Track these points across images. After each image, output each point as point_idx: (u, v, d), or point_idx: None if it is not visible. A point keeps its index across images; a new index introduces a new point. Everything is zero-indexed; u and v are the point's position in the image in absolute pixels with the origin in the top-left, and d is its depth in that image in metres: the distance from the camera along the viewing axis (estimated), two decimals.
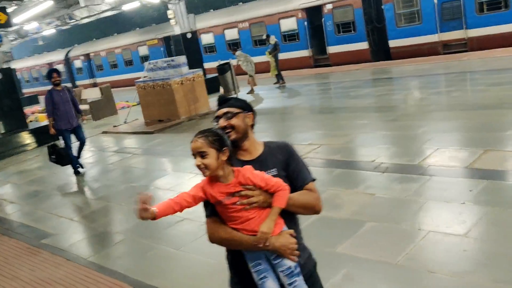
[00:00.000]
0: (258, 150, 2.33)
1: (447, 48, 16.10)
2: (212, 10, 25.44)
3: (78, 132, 9.03)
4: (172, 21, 16.79)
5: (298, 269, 2.18)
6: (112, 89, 17.08)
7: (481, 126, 7.33)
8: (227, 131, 2.25)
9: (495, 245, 3.94)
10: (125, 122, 13.60)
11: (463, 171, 5.65)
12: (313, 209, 2.30)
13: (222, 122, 2.28)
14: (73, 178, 8.96)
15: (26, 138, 13.01)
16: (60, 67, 31.60)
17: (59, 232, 6.30)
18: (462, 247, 3.96)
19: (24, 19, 16.76)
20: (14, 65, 32.06)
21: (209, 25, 23.42)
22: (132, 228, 5.84)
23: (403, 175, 5.85)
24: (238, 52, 15.73)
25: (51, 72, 8.87)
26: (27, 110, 21.27)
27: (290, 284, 2.17)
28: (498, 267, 3.58)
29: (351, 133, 8.30)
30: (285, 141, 2.43)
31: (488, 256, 3.79)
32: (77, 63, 32.09)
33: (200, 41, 23.88)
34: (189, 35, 16.91)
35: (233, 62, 14.89)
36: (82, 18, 25.75)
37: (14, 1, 13.80)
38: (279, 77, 15.95)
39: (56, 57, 33.74)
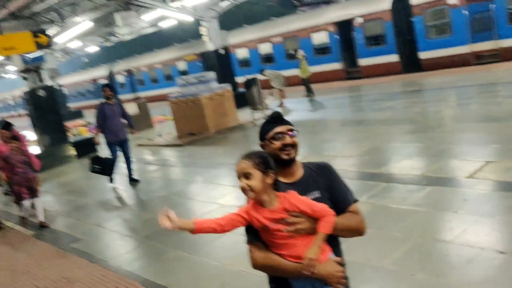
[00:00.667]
0: (299, 172, 2.28)
1: (480, 58, 16.03)
2: (246, 25, 26.09)
3: (124, 146, 9.22)
4: (205, 38, 17.46)
5: None
6: (152, 103, 17.88)
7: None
8: (287, 148, 2.23)
9: None
10: (159, 135, 14.26)
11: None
12: (357, 232, 2.26)
13: (288, 139, 2.25)
14: (105, 188, 9.59)
15: (67, 151, 13.83)
16: (104, 82, 33.15)
17: (86, 237, 6.89)
18: None
19: (66, 39, 17.89)
20: (61, 81, 33.68)
21: (243, 40, 24.07)
22: (152, 234, 6.34)
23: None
24: (266, 72, 16.17)
25: (105, 86, 9.17)
26: (71, 124, 22.44)
27: None
28: None
29: (380, 145, 8.48)
30: (325, 162, 2.39)
31: None
32: (120, 78, 33.44)
33: (235, 56, 24.64)
34: (221, 51, 17.52)
35: (261, 77, 15.43)
36: (123, 35, 27.06)
37: (55, 23, 14.83)
38: (309, 90, 16.33)
39: (101, 72, 35.28)
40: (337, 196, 2.26)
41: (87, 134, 18.29)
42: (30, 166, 7.76)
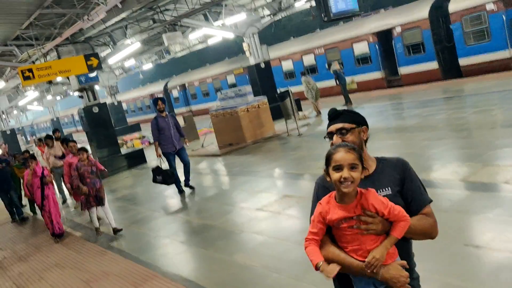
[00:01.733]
0: (371, 167, 2.21)
1: None
2: (292, 37, 26.85)
3: (182, 154, 9.58)
4: (247, 53, 18.37)
5: None
6: (204, 115, 18.86)
7: None
8: None
9: None
10: (202, 146, 15.23)
11: None
12: (429, 236, 2.17)
13: (336, 139, 2.20)
14: (152, 195, 10.58)
15: (119, 161, 15.05)
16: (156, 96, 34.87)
17: (125, 237, 7.87)
18: None
19: (118, 60, 19.34)
20: (120, 97, 35.78)
21: (288, 52, 24.85)
22: (174, 233, 7.21)
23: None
24: (303, 78, 16.79)
25: (157, 100, 9.48)
26: (127, 137, 24.02)
27: None
28: None
29: (418, 151, 8.64)
30: (401, 158, 2.27)
31: None
32: (175, 93, 35.08)
33: (281, 68, 25.47)
34: (262, 65, 18.36)
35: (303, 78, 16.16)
36: (176, 52, 28.56)
37: (107, 45, 16.23)
38: (347, 99, 16.83)
39: (157, 88, 37.13)
40: (411, 196, 2.16)
41: (139, 146, 19.69)
42: (97, 176, 8.22)
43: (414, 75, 19.09)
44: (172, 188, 10.00)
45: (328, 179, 2.07)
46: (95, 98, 14.89)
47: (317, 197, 2.25)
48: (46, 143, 11.49)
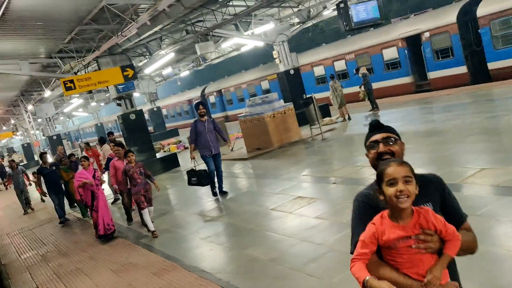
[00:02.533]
0: None
1: None
2: (324, 44, 27.30)
3: (217, 159, 9.77)
4: (277, 60, 19.01)
5: None
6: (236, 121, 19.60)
7: None
8: (384, 157, 2.17)
9: None
10: (231, 150, 15.95)
11: None
12: (471, 251, 2.15)
13: (382, 147, 2.19)
14: (184, 197, 11.35)
15: (155, 165, 15.91)
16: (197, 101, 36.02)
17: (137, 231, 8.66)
18: None
19: (154, 69, 20.37)
20: (160, 103, 37.10)
21: (319, 58, 25.34)
22: (197, 230, 7.91)
23: None
24: (330, 83, 17.23)
25: (198, 105, 9.63)
26: (165, 141, 25.09)
27: None
28: None
29: (449, 155, 8.78)
30: (436, 174, 2.26)
31: None
32: (212, 98, 36.10)
33: (312, 73, 25.99)
34: (291, 72, 18.96)
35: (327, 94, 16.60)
36: (212, 59, 29.52)
37: (144, 56, 17.24)
38: (374, 104, 17.20)
39: (194, 94, 38.29)
40: (450, 211, 2.16)
41: (175, 151, 20.62)
42: (145, 177, 8.49)
43: (443, 79, 19.22)
44: (204, 190, 10.55)
45: (381, 197, 2.03)
46: (132, 106, 15.86)
47: (359, 216, 2.18)
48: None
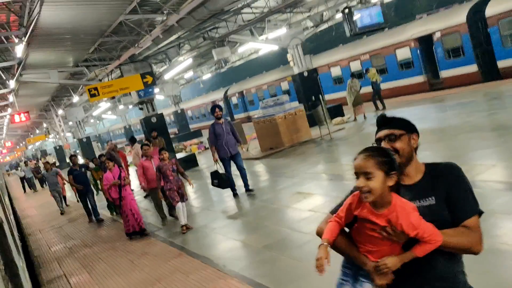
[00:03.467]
0: (419, 174, 2.12)
1: None
2: (341, 44, 27.89)
3: (236, 160, 9.89)
4: (291, 63, 19.77)
5: None
6: None
7: None
8: None
9: None
10: (247, 150, 16.80)
11: None
12: (468, 251, 2.01)
13: (385, 145, 2.11)
14: (200, 193, 12.24)
15: None
16: (221, 104, 37.10)
17: (167, 227, 9.59)
18: None
19: (173, 74, 21.41)
20: (184, 105, 38.27)
21: (336, 59, 25.98)
22: (209, 222, 8.79)
23: None
24: (348, 81, 17.82)
25: (214, 108, 9.86)
26: (187, 142, 26.12)
27: None
28: None
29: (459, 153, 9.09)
30: (452, 163, 2.13)
31: None
32: (234, 100, 37.06)
33: (330, 74, 26.63)
34: (305, 74, 19.68)
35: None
36: (234, 62, 30.48)
37: (162, 62, 18.27)
38: (382, 104, 17.82)
39: (218, 95, 39.33)
40: (455, 205, 2.02)
41: (196, 151, 21.60)
42: (178, 173, 8.72)
43: (455, 78, 19.63)
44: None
45: None
46: (153, 110, 16.88)
47: (346, 196, 2.24)
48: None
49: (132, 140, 14.50)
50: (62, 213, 15.57)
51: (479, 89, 17.13)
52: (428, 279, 2.03)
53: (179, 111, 34.25)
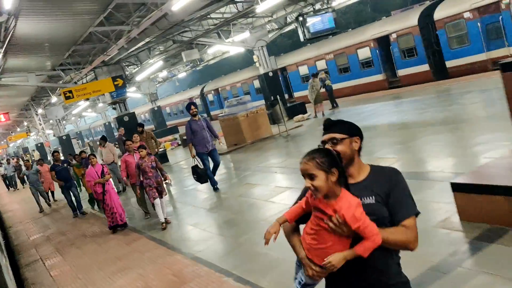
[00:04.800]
0: (362, 174, 2.29)
1: (497, 65, 17.69)
2: (309, 44, 29.23)
3: (213, 154, 10.26)
4: (257, 64, 21.07)
5: (302, 286, 2.38)
6: None
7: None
8: None
9: None
10: (220, 144, 18.03)
11: None
12: (405, 248, 2.19)
13: (329, 148, 2.25)
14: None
15: None
16: (198, 101, 38.31)
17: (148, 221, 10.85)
18: None
19: (144, 76, 22.60)
20: (161, 102, 39.33)
21: (304, 58, 27.34)
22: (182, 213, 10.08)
23: None
24: (310, 80, 19.16)
25: (189, 105, 10.09)
26: (161, 139, 27.24)
27: None
28: None
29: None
30: (393, 168, 2.34)
31: None
32: (210, 97, 38.27)
33: (298, 73, 28.01)
34: (270, 74, 21.00)
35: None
36: (209, 60, 31.63)
37: (134, 65, 19.46)
38: (334, 103, 19.34)
39: (194, 92, 40.48)
40: (394, 206, 2.19)
41: (169, 148, 22.80)
42: (157, 170, 8.88)
43: (410, 76, 21.12)
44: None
45: None
46: (126, 109, 18.07)
47: (304, 190, 2.39)
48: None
49: (103, 139, 15.51)
50: (41, 211, 15.79)
51: (431, 87, 18.60)
52: (363, 272, 2.19)
53: (156, 108, 35.36)
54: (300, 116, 19.14)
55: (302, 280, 2.36)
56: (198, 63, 32.29)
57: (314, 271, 2.21)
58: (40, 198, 16.01)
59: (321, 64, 26.03)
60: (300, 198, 2.41)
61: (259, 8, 13.16)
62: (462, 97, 13.59)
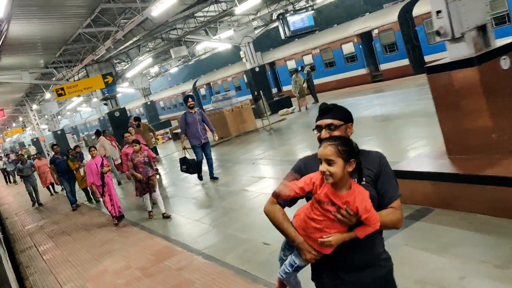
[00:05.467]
0: None
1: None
2: (297, 39, 29.95)
3: (205, 148, 10.45)
4: (244, 59, 21.80)
5: (295, 269, 2.49)
6: None
7: None
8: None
9: None
10: (216, 139, 18.78)
11: None
12: (393, 227, 2.31)
13: (324, 134, 2.33)
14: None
15: None
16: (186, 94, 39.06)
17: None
18: None
19: (134, 73, 23.34)
20: (155, 97, 40.01)
21: (291, 53, 28.08)
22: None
23: None
24: (293, 76, 19.96)
25: (187, 98, 10.16)
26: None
27: (282, 269, 2.58)
28: None
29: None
30: (379, 152, 2.40)
31: None
32: (202, 91, 39.00)
33: (286, 67, 28.75)
34: (257, 69, 21.75)
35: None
36: (200, 55, 32.33)
37: (125, 62, 20.21)
38: (315, 98, 20.11)
39: (187, 87, 41.20)
40: (383, 189, 2.31)
41: (161, 141, 23.55)
42: (149, 165, 8.95)
43: (391, 70, 21.88)
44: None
45: None
46: (117, 105, 18.80)
47: (299, 166, 2.47)
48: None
49: (97, 133, 16.28)
50: (33, 205, 15.84)
51: (411, 80, 19.38)
52: (351, 251, 2.28)
53: (149, 103, 36.09)
54: (285, 110, 19.90)
55: (295, 263, 2.44)
56: (190, 58, 33.02)
57: (313, 255, 2.28)
58: (33, 192, 15.83)
59: (307, 59, 26.77)
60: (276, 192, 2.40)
61: (238, 10, 13.90)
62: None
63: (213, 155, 14.83)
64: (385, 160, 2.36)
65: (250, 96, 23.08)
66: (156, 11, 10.02)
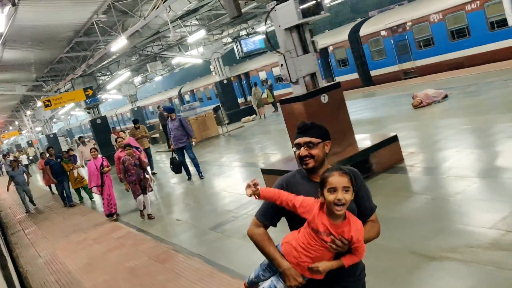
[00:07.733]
0: None
1: (407, 75, 21.35)
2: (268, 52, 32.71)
3: (187, 151, 11.46)
4: (213, 72, 24.57)
5: None
6: None
7: None
8: (305, 159, 2.38)
9: None
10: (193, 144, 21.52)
11: None
12: (373, 239, 2.40)
13: (303, 151, 2.39)
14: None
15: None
16: (176, 101, 41.79)
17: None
18: None
19: (114, 85, 26.19)
20: (144, 102, 42.76)
21: (263, 64, 30.85)
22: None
23: None
24: (252, 89, 22.71)
25: (169, 109, 11.83)
26: None
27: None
28: None
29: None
30: (354, 169, 2.43)
31: None
32: (186, 97, 41.75)
33: (258, 77, 31.54)
34: (225, 81, 24.52)
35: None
36: (183, 65, 35.05)
37: (105, 75, 23.05)
38: (275, 107, 22.93)
39: (173, 93, 43.96)
40: (362, 204, 2.40)
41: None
42: (141, 168, 9.19)
43: (344, 83, 24.39)
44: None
45: (321, 199, 2.24)
46: (99, 113, 21.56)
47: (281, 185, 2.50)
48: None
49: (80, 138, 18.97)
50: (27, 212, 15.65)
51: (360, 92, 22.16)
52: (338, 277, 2.37)
53: (135, 109, 38.88)
54: (247, 118, 22.67)
55: (275, 287, 2.45)
56: (174, 67, 35.80)
57: (297, 282, 2.33)
58: (26, 198, 15.71)
59: (276, 70, 29.48)
60: (262, 212, 2.53)
61: (190, 39, 16.71)
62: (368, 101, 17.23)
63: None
64: (360, 176, 2.43)
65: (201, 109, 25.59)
66: (114, 47, 12.99)
